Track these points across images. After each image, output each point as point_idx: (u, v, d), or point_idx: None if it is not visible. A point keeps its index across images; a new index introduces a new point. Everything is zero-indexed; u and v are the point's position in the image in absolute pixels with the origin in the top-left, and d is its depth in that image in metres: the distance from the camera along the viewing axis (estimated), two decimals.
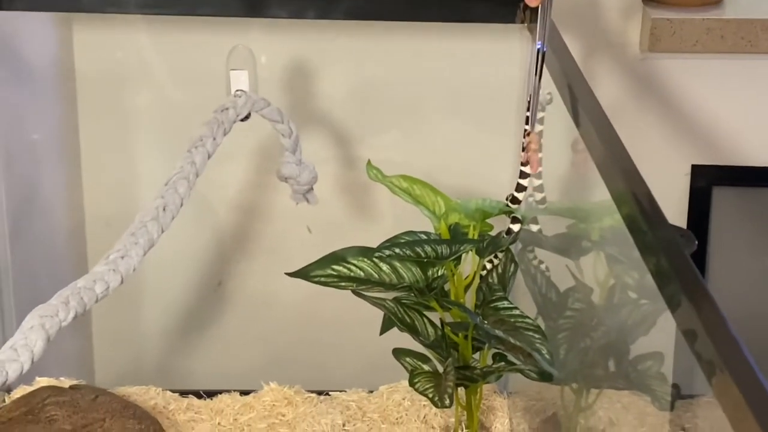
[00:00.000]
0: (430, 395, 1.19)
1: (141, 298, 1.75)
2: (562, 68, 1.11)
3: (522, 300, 1.31)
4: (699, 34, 1.61)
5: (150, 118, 1.66)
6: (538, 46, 1.09)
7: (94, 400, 1.23)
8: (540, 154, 1.16)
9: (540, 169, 1.21)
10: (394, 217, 1.65)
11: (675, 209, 1.69)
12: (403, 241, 1.18)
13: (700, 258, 1.72)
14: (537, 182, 1.24)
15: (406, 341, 1.28)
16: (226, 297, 1.74)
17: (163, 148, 1.64)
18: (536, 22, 1.13)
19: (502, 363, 1.22)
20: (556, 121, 1.17)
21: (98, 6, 1.35)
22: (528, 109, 1.13)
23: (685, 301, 0.71)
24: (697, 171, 1.70)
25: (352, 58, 1.62)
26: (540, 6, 1.09)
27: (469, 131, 1.64)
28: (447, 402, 1.16)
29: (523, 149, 1.20)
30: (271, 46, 1.61)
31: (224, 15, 1.39)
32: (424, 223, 1.24)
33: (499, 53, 1.56)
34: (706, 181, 1.70)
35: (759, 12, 1.64)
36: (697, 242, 1.16)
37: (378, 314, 1.27)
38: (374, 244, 1.21)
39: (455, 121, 1.64)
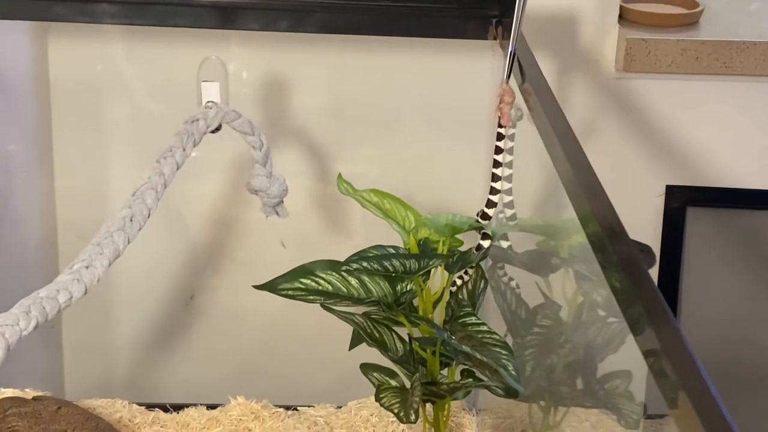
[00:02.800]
0: (396, 410, 1.18)
1: (113, 311, 1.74)
2: (532, 85, 1.11)
3: (492, 317, 1.31)
4: (674, 54, 1.61)
5: (124, 129, 1.65)
6: (511, 49, 1.15)
7: (56, 411, 1.22)
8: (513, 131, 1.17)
9: (510, 185, 1.22)
10: (369, 231, 1.65)
11: (649, 229, 1.70)
12: (371, 255, 1.18)
13: (673, 278, 1.72)
14: (507, 198, 1.24)
15: (376, 357, 1.27)
16: (197, 311, 1.73)
17: (136, 158, 1.63)
18: (508, 39, 1.15)
19: (470, 379, 1.21)
20: (526, 139, 1.17)
21: (70, 15, 1.34)
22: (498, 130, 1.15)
23: (644, 319, 0.71)
24: (671, 192, 1.70)
25: (326, 72, 1.62)
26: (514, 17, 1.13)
27: (442, 146, 1.64)
28: (412, 417, 1.16)
29: (494, 165, 1.20)
30: (246, 59, 1.61)
31: (197, 26, 1.38)
32: (398, 237, 1.24)
33: (471, 69, 1.56)
34: (681, 201, 1.71)
35: (734, 34, 1.65)
36: (656, 257, 1.16)
37: (348, 329, 1.27)
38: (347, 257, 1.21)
39: (428, 136, 1.64)
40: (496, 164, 1.19)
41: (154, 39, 1.59)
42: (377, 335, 1.25)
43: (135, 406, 1.46)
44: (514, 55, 1.16)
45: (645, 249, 1.05)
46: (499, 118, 1.17)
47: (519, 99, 1.17)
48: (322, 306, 1.21)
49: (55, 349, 1.73)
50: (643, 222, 1.70)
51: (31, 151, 1.66)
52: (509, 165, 1.21)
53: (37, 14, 1.37)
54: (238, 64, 1.60)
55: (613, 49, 1.62)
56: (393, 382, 1.25)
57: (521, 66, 1.17)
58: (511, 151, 1.20)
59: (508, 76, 1.17)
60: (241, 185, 1.65)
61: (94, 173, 1.67)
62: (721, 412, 0.61)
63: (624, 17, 1.66)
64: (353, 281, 1.20)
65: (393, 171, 1.64)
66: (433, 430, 1.29)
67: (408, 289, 1.21)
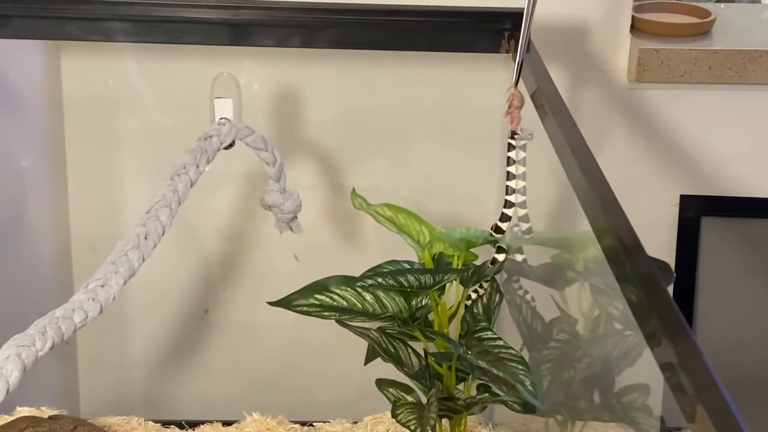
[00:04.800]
0: (413, 427, 1.17)
1: (127, 327, 1.74)
2: (546, 98, 1.11)
3: (508, 330, 1.30)
4: (686, 64, 1.61)
5: (137, 145, 1.65)
6: (519, 59, 1.19)
7: (72, 430, 1.22)
8: (528, 139, 1.18)
9: (524, 198, 1.21)
10: (382, 245, 1.65)
11: (663, 239, 1.69)
12: (386, 270, 1.18)
13: (688, 288, 1.72)
14: (522, 212, 1.23)
15: (391, 372, 1.27)
16: (212, 325, 1.73)
17: (149, 174, 1.63)
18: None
19: (486, 394, 1.21)
20: (541, 152, 1.17)
21: (82, 34, 1.34)
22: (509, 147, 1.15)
23: (661, 333, 0.71)
24: (685, 201, 1.70)
25: (339, 85, 1.62)
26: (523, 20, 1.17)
27: (454, 159, 1.64)
28: None
29: (507, 178, 1.20)
30: (259, 74, 1.61)
31: (209, 43, 1.38)
32: (412, 251, 1.23)
33: (484, 82, 1.56)
34: (695, 211, 1.70)
35: (746, 43, 1.65)
36: (675, 274, 1.16)
37: (363, 344, 1.27)
38: (362, 273, 1.20)
39: (441, 149, 1.64)
40: (509, 176, 1.19)
41: (166, 54, 1.59)
42: (392, 350, 1.24)
43: (151, 423, 1.45)
44: (522, 62, 1.17)
45: (663, 266, 1.04)
46: (512, 127, 1.17)
47: (533, 112, 1.16)
48: (337, 321, 1.21)
49: (70, 366, 1.73)
50: (657, 232, 1.69)
51: (44, 167, 1.67)
52: (523, 177, 1.20)
53: (50, 33, 1.37)
54: (249, 77, 1.60)
55: (625, 59, 1.62)
56: (409, 398, 1.24)
57: (533, 75, 1.17)
58: (524, 163, 1.20)
59: (517, 81, 1.18)
60: (254, 199, 1.65)
61: (107, 188, 1.68)
62: (740, 426, 0.61)
63: (636, 27, 1.66)
64: (368, 297, 1.20)
65: (405, 184, 1.64)
66: None
67: (423, 303, 1.21)
